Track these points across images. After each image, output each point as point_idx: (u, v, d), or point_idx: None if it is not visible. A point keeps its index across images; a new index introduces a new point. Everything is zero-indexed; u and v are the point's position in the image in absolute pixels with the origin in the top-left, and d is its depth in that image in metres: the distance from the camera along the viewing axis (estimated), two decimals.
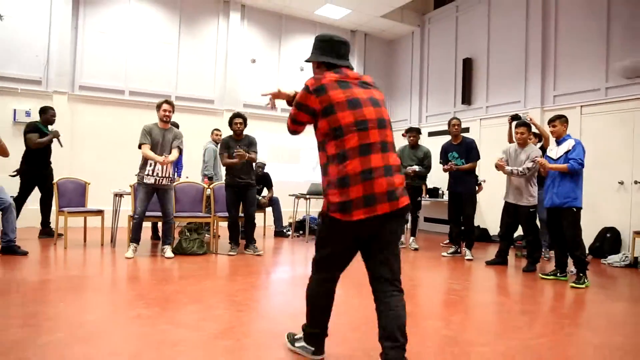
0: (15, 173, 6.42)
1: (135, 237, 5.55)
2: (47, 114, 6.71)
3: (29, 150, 6.47)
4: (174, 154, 5.59)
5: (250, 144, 6.07)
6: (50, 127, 6.76)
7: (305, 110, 2.29)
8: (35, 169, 6.50)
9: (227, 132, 7.57)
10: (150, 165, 5.47)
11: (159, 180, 5.50)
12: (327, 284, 2.43)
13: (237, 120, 6.02)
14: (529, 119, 6.05)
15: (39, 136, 6.46)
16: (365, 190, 2.12)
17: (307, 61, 2.53)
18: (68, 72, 8.36)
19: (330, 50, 2.41)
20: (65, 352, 2.46)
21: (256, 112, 9.84)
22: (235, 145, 5.99)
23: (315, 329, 2.50)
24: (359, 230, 2.20)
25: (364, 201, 2.11)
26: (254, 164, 6.17)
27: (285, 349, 2.66)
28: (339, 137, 2.17)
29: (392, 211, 2.15)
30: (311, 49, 2.50)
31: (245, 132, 6.11)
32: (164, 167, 5.51)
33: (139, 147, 5.50)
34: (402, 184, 2.24)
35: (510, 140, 6.39)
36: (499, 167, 5.71)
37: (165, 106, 5.55)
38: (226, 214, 6.20)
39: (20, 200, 6.28)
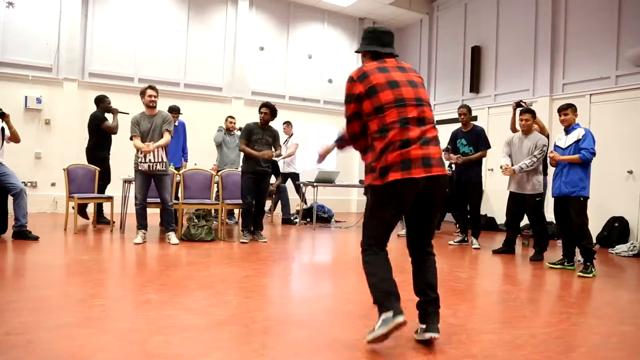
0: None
1: (141, 223, 5.60)
2: (104, 102, 6.98)
3: (100, 139, 6.84)
4: (165, 137, 5.58)
5: (274, 137, 6.06)
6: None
7: (352, 99, 2.52)
8: (108, 154, 6.97)
9: (241, 120, 7.61)
10: (142, 152, 5.47)
11: (152, 165, 5.50)
12: (384, 255, 2.59)
13: (264, 109, 5.98)
14: (525, 106, 6.06)
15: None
16: (403, 156, 2.36)
17: (357, 52, 2.77)
18: (78, 60, 8.40)
19: (375, 40, 2.65)
20: (74, 335, 2.51)
21: (264, 100, 9.79)
22: (260, 133, 5.97)
23: (388, 292, 2.47)
24: (397, 193, 2.41)
25: (401, 165, 2.36)
26: (274, 150, 6.07)
27: (292, 335, 2.69)
28: (380, 114, 2.42)
29: (427, 176, 2.38)
30: (361, 41, 2.75)
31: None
32: (157, 152, 5.49)
33: (131, 139, 5.53)
34: (438, 155, 2.47)
35: (513, 128, 6.36)
36: (506, 172, 5.66)
37: (150, 92, 5.53)
38: (234, 201, 6.22)
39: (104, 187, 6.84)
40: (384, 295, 2.45)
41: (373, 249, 2.56)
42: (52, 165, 7.94)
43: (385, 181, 2.37)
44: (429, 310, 2.57)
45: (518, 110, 6.18)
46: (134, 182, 5.85)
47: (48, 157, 8.12)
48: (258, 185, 6.02)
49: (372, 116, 2.44)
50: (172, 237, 5.67)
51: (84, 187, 6.39)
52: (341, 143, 2.85)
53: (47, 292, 3.34)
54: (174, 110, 7.13)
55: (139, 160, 5.50)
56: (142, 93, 5.57)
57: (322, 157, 3.05)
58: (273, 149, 6.02)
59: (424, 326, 2.55)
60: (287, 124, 8.72)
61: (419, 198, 2.46)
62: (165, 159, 5.59)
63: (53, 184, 8.10)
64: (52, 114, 8.21)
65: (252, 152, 5.86)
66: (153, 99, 5.54)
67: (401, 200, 2.45)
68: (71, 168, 6.34)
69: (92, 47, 8.60)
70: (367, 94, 2.44)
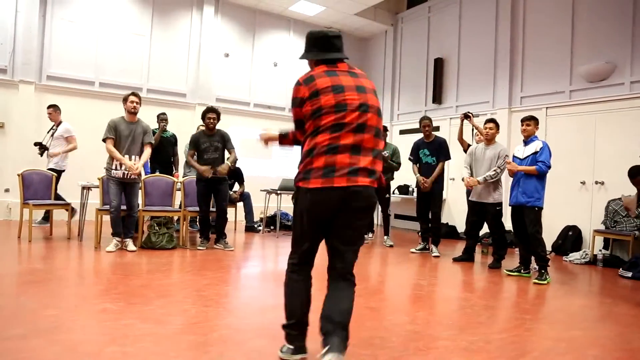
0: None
1: (116, 230, 5.47)
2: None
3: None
4: (145, 154, 5.55)
5: (224, 139, 5.98)
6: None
7: (296, 103, 2.36)
8: None
9: (196, 127, 7.53)
10: (119, 161, 5.39)
11: (127, 174, 5.42)
12: (301, 273, 2.47)
13: (211, 115, 5.90)
14: (471, 117, 6.30)
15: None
16: (327, 162, 2.20)
17: (301, 58, 2.56)
18: (35, 62, 8.12)
19: (325, 46, 2.45)
20: (22, 347, 2.42)
21: (229, 106, 9.79)
22: (207, 140, 5.91)
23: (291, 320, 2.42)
24: (317, 202, 2.24)
25: (323, 172, 2.20)
26: (228, 160, 6.02)
27: (250, 344, 2.67)
28: (317, 116, 2.26)
29: (349, 186, 2.20)
30: (305, 46, 2.54)
31: (217, 126, 6.03)
32: (133, 161, 5.45)
33: (103, 141, 5.41)
34: (369, 166, 2.26)
35: (460, 138, 6.59)
36: (469, 184, 5.81)
37: (132, 98, 5.47)
38: (196, 209, 6.15)
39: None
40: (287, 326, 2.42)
41: (295, 261, 2.49)
42: (6, 171, 7.64)
43: (306, 186, 2.24)
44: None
45: (469, 121, 6.39)
46: (100, 188, 5.73)
47: (2, 161, 7.80)
48: (214, 192, 5.97)
49: (310, 118, 2.29)
50: (130, 244, 5.54)
51: (39, 193, 6.18)
52: (284, 139, 2.69)
53: None
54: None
55: (113, 167, 5.38)
56: (125, 99, 5.50)
57: (264, 142, 2.84)
58: (227, 153, 6.00)
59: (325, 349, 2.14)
60: (54, 107, 7.35)
61: (340, 209, 2.26)
62: (140, 168, 5.51)
63: (7, 190, 7.79)
64: (7, 117, 7.91)
65: (196, 165, 5.80)
66: (135, 105, 5.47)
67: (319, 211, 2.28)
68: (26, 173, 6.12)
69: (51, 49, 8.34)
70: (309, 97, 2.29)
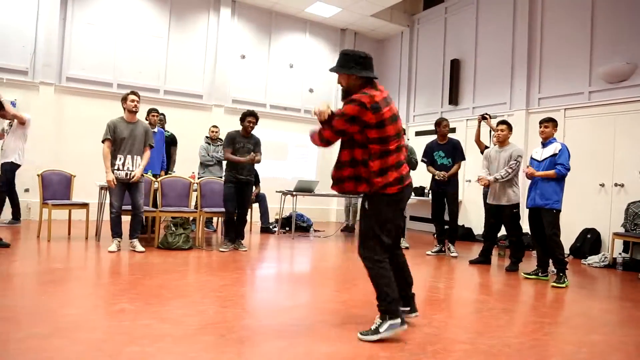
0: None
1: (116, 231, 5.51)
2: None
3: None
4: (145, 157, 5.61)
5: (257, 144, 6.08)
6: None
7: (359, 123, 2.77)
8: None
9: (224, 129, 7.58)
10: (120, 160, 5.44)
11: (129, 174, 5.46)
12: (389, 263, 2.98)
13: (251, 119, 5.99)
14: (488, 119, 6.26)
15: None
16: (400, 172, 2.88)
17: (334, 71, 2.95)
18: (55, 64, 8.27)
19: (369, 67, 2.89)
20: (45, 346, 2.45)
21: (245, 108, 9.74)
22: (242, 141, 5.98)
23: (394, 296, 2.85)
24: (400, 202, 2.98)
25: (398, 180, 2.87)
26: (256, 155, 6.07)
27: (268, 345, 2.68)
28: (384, 143, 2.81)
29: (410, 183, 3.01)
30: (345, 62, 2.89)
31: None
32: (134, 160, 5.49)
33: (102, 142, 5.46)
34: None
35: (478, 140, 6.51)
36: (482, 182, 5.77)
37: (132, 97, 5.49)
38: (213, 209, 6.18)
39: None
40: (391, 300, 2.83)
41: (386, 255, 2.94)
42: (26, 171, 7.76)
43: (388, 192, 2.84)
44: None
45: (487, 122, 6.35)
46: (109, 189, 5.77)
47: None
48: (240, 195, 6.00)
49: (377, 142, 2.79)
50: (137, 245, 5.55)
51: (59, 193, 6.27)
52: (326, 124, 2.86)
53: (17, 302, 3.26)
54: (154, 111, 7.09)
55: (116, 167, 5.43)
56: (124, 98, 5.52)
57: (318, 110, 2.87)
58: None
59: None
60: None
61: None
62: (139, 175, 5.54)
63: (27, 190, 7.92)
64: None
65: (236, 158, 5.87)
66: (136, 104, 5.49)
67: (401, 207, 3.05)
68: (46, 174, 6.22)
69: (70, 51, 8.48)
70: (376, 125, 2.75)
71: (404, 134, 3.04)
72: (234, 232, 6.08)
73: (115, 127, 5.45)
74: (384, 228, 2.88)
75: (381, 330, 2.78)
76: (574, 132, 7.46)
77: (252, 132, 6.08)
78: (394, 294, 2.84)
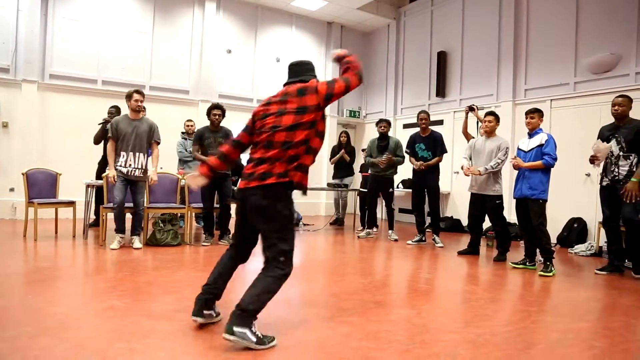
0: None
1: (119, 227, 5.49)
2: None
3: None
4: (155, 155, 5.63)
5: (227, 136, 5.99)
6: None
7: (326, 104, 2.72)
8: None
9: (200, 123, 7.53)
10: (123, 157, 5.42)
11: (132, 171, 5.44)
12: None
13: (216, 111, 5.96)
14: (475, 110, 6.31)
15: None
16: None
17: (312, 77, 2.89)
18: (37, 60, 8.15)
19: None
20: (32, 345, 2.43)
21: (232, 103, 9.77)
22: (211, 136, 5.95)
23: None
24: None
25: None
26: None
27: None
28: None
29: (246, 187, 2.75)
30: (307, 70, 2.88)
31: (222, 123, 6.08)
32: (137, 158, 5.47)
33: (106, 141, 5.46)
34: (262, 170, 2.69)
35: (465, 131, 6.55)
36: (468, 173, 5.82)
37: (136, 95, 5.47)
38: (200, 205, 6.16)
39: None
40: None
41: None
42: (11, 170, 7.68)
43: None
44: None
45: (474, 113, 6.41)
46: (104, 186, 5.77)
47: (6, 161, 7.84)
48: (219, 189, 5.99)
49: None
50: (136, 242, 5.56)
51: (44, 192, 6.20)
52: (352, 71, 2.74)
53: (3, 302, 3.23)
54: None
55: (119, 164, 5.41)
56: (129, 96, 5.49)
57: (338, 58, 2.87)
58: None
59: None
60: None
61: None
62: (145, 166, 5.56)
63: (12, 189, 7.83)
64: (10, 116, 7.94)
65: (203, 158, 5.76)
66: (140, 103, 5.49)
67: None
68: (30, 172, 6.14)
69: (53, 48, 8.36)
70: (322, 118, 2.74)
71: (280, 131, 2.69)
72: (219, 228, 6.12)
73: (118, 125, 5.45)
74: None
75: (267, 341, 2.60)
76: (560, 122, 7.53)
77: (222, 124, 6.07)
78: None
